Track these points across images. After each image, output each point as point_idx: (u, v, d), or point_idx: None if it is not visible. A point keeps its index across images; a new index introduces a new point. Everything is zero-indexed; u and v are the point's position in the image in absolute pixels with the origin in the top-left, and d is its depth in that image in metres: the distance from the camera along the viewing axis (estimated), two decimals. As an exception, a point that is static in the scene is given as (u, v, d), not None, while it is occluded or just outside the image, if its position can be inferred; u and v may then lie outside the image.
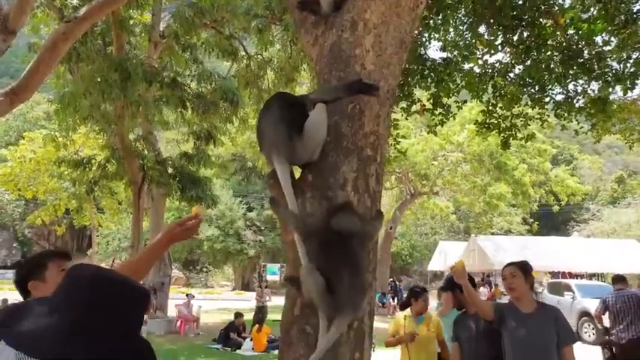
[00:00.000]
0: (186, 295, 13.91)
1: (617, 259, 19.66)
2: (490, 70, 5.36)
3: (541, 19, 4.45)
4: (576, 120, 5.49)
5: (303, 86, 14.44)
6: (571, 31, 4.58)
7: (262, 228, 34.10)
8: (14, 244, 35.31)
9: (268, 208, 28.52)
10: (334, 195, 1.73)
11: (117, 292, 1.03)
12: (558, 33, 4.55)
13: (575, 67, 4.43)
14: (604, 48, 4.65)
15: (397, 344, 4.24)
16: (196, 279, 34.92)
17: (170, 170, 12.75)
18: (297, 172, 1.90)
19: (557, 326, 2.87)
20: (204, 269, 35.57)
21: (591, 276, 22.30)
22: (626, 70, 4.34)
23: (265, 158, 1.87)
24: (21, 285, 1.86)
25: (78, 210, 21.12)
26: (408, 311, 4.37)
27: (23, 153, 20.64)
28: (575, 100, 5.03)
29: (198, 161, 12.98)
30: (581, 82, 4.70)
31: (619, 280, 6.39)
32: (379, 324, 14.82)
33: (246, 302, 19.56)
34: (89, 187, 13.71)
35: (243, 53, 13.24)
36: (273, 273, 28.51)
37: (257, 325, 10.98)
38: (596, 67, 4.38)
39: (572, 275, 21.18)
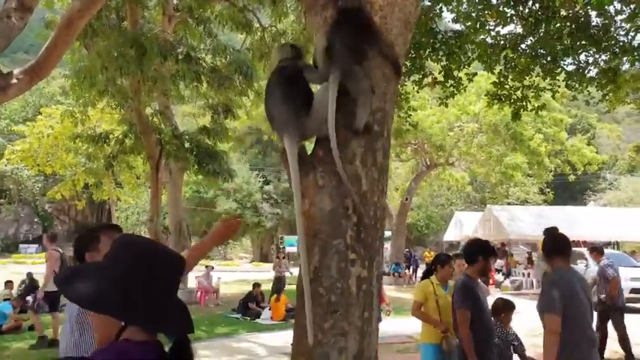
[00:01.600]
0: (206, 267, 14.31)
1: (632, 227, 19.59)
2: (502, 42, 5.38)
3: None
4: (587, 91, 5.50)
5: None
6: (580, 3, 4.58)
7: (279, 201, 34.53)
8: (35, 219, 36.16)
9: (285, 180, 28.85)
10: (344, 169, 1.88)
11: (156, 256, 1.21)
12: (567, 5, 4.55)
13: (583, 40, 4.44)
14: (616, 18, 4.65)
15: (427, 322, 4.19)
16: (215, 251, 35.70)
17: (187, 145, 12.96)
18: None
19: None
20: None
21: (606, 245, 22.28)
22: (634, 42, 4.35)
23: (277, 136, 2.05)
24: (79, 256, 2.12)
25: (97, 185, 21.60)
26: (433, 278, 4.32)
27: (41, 129, 20.92)
28: (586, 71, 5.05)
29: (215, 135, 13.15)
30: (591, 52, 4.71)
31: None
32: (395, 293, 15.20)
33: (264, 273, 19.99)
34: (107, 162, 14.05)
35: (257, 25, 13.19)
36: (291, 245, 28.95)
37: (275, 295, 11.33)
38: (603, 39, 4.39)
39: (586, 244, 21.20)
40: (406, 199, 22.15)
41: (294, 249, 29.14)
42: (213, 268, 15.04)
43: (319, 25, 2.11)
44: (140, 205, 32.24)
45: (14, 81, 5.68)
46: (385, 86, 2.05)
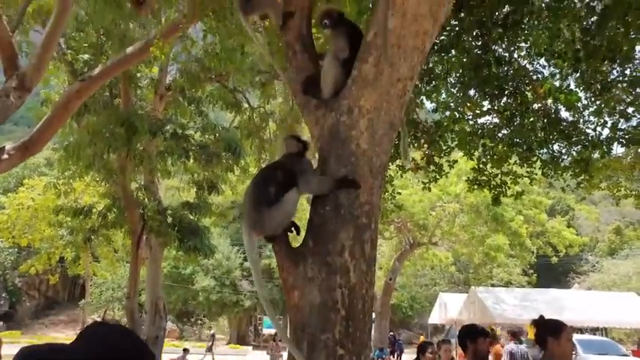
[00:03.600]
0: (183, 350, 13.68)
1: (620, 312, 19.45)
2: (480, 131, 5.68)
3: (523, 89, 4.82)
4: (562, 178, 5.77)
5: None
6: (550, 100, 4.94)
7: (259, 278, 33.62)
8: (3, 294, 34.30)
9: (265, 256, 28.38)
10: (333, 261, 1.93)
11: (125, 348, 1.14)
12: (539, 100, 4.90)
13: (555, 133, 4.75)
14: (584, 112, 5.00)
15: None
16: (190, 332, 34.17)
17: (170, 220, 12.87)
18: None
19: None
20: (199, 321, 34.78)
21: (594, 330, 22.01)
22: (601, 137, 4.66)
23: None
24: None
25: (75, 259, 21.00)
26: None
27: (22, 200, 20.66)
28: (560, 160, 5.32)
29: (199, 211, 13.15)
30: (564, 144, 5.01)
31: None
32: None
33: (241, 358, 19.08)
34: (87, 235, 13.80)
35: (246, 106, 13.69)
36: (269, 326, 27.87)
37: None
38: (573, 133, 4.70)
39: (574, 329, 20.92)
40: (390, 279, 21.93)
41: (272, 330, 28.10)
42: (188, 351, 14.38)
43: (312, 124, 2.26)
44: (116, 280, 31.14)
45: (5, 156, 5.74)
46: (372, 180, 2.16)
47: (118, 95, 11.65)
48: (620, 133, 4.63)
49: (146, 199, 13.07)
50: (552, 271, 36.88)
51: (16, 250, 29.88)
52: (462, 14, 4.29)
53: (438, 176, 5.92)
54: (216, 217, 15.96)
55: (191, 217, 13.30)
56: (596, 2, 3.77)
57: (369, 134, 2.17)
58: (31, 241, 21.44)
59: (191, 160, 12.11)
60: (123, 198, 12.11)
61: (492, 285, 29.10)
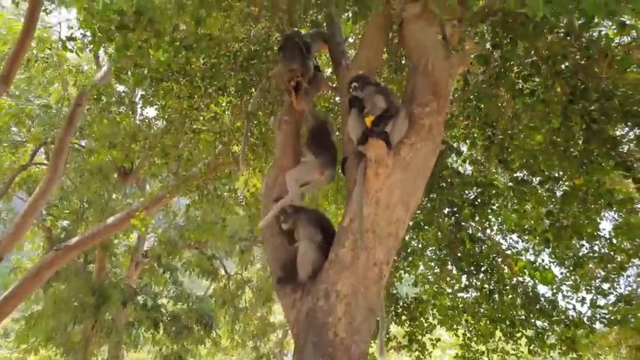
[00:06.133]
0: None
1: None
2: (461, 305, 5.59)
3: (498, 265, 4.90)
4: (551, 357, 5.53)
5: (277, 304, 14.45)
6: (526, 278, 4.99)
7: None
8: None
9: None
10: None
11: None
12: (515, 279, 4.94)
13: (535, 312, 4.69)
14: (561, 287, 5.01)
15: None
16: None
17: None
18: None
19: None
20: None
21: None
22: (582, 315, 4.62)
23: None
24: None
25: None
26: None
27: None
28: (545, 337, 5.16)
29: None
30: (546, 322, 4.92)
31: None
32: None
33: None
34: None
35: (223, 273, 13.52)
36: None
37: None
38: (553, 313, 4.66)
39: None
40: None
41: None
42: None
43: (288, 308, 2.19)
44: None
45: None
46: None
47: (92, 262, 11.44)
48: (601, 311, 4.60)
49: (107, 377, 11.94)
50: None
51: None
52: (434, 194, 4.55)
53: (421, 355, 5.63)
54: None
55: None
56: (555, 187, 4.06)
57: (346, 321, 2.10)
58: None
59: (161, 332, 11.44)
60: (81, 375, 11.03)
61: None
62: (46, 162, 9.89)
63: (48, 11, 7.52)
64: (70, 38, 3.41)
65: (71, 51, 5.29)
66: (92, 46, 2.94)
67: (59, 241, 8.82)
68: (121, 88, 5.66)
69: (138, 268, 13.03)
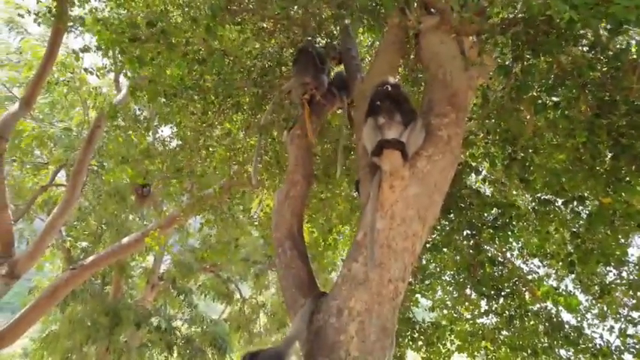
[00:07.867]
0: None
1: None
2: (480, 332, 5.36)
3: (519, 290, 4.69)
4: (578, 389, 5.23)
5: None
6: (549, 303, 4.77)
7: None
8: None
9: None
10: None
11: None
12: (537, 305, 4.73)
13: (559, 339, 4.46)
14: (587, 315, 4.77)
15: None
16: None
17: None
18: None
19: None
20: None
21: None
22: (610, 345, 4.37)
23: None
24: None
25: None
26: None
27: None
28: (572, 368, 4.90)
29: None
30: (571, 352, 4.66)
31: None
32: None
33: None
34: None
35: (238, 296, 13.44)
36: None
37: None
38: (579, 341, 4.41)
39: None
40: None
41: None
42: None
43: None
44: None
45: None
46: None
47: (109, 283, 11.45)
48: (631, 341, 4.34)
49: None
50: None
51: None
52: (452, 215, 4.41)
53: (439, 385, 5.40)
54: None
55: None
56: (581, 208, 3.89)
57: (359, 340, 1.98)
58: None
59: (174, 355, 11.32)
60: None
61: None
62: (65, 183, 10.03)
63: (74, 35, 7.66)
64: (84, 50, 3.46)
65: (91, 73, 5.38)
66: (104, 58, 2.95)
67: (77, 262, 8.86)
68: (136, 107, 5.72)
69: (154, 290, 13.00)
